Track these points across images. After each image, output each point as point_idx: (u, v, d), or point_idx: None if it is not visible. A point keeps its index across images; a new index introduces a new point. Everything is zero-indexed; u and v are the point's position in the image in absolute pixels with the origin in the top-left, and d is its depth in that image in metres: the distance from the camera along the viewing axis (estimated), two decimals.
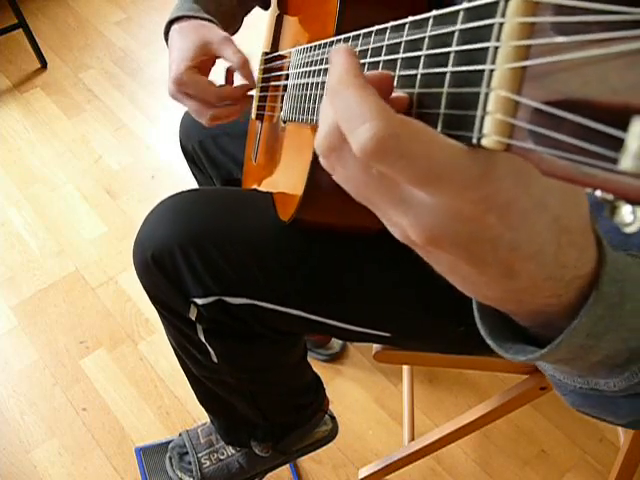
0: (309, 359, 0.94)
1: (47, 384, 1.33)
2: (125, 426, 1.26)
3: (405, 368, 1.22)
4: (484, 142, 0.24)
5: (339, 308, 0.73)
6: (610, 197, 0.19)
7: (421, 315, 0.73)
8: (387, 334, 0.75)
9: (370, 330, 0.74)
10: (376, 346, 0.84)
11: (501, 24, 0.23)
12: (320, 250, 0.70)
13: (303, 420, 0.99)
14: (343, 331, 0.74)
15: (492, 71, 0.23)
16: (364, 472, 1.11)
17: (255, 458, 1.01)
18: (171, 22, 0.78)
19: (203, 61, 0.74)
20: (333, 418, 1.06)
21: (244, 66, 0.73)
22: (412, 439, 1.08)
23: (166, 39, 0.79)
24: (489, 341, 0.35)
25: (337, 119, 0.27)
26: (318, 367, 1.17)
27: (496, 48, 0.23)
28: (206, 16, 0.77)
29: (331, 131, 0.28)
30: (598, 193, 0.20)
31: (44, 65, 2.11)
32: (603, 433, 1.19)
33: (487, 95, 0.24)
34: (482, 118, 0.24)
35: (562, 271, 0.29)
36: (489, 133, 0.23)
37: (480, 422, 0.95)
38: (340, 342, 1.33)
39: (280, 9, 0.85)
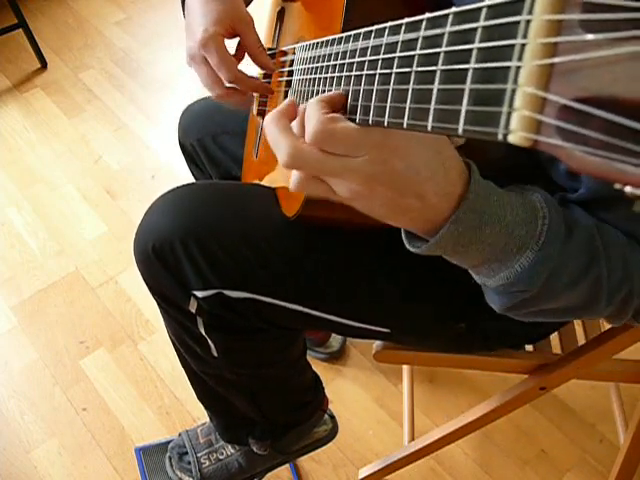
0: (309, 358, 0.94)
1: (47, 384, 1.33)
2: (125, 426, 1.26)
3: (405, 368, 1.22)
4: (511, 138, 0.24)
5: (339, 303, 0.73)
6: None
7: (421, 311, 0.73)
8: (387, 330, 0.75)
9: (370, 326, 0.74)
10: (376, 345, 0.84)
11: (528, 21, 0.23)
12: (321, 245, 0.70)
13: (302, 419, 0.99)
14: (343, 327, 0.74)
15: (519, 68, 0.23)
16: (364, 472, 1.11)
17: (254, 457, 1.01)
18: None
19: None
20: (333, 418, 1.06)
21: (262, 55, 0.71)
22: (412, 439, 1.08)
23: (182, 7, 0.73)
24: (406, 243, 0.49)
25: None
26: (318, 367, 1.17)
27: (523, 45, 0.23)
28: None
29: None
30: (628, 189, 0.20)
31: (44, 65, 2.11)
32: (603, 433, 1.20)
33: (514, 92, 0.24)
34: (508, 114, 0.24)
35: (451, 189, 0.43)
36: (516, 129, 0.23)
37: (480, 422, 0.95)
38: (339, 341, 1.33)
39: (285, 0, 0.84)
